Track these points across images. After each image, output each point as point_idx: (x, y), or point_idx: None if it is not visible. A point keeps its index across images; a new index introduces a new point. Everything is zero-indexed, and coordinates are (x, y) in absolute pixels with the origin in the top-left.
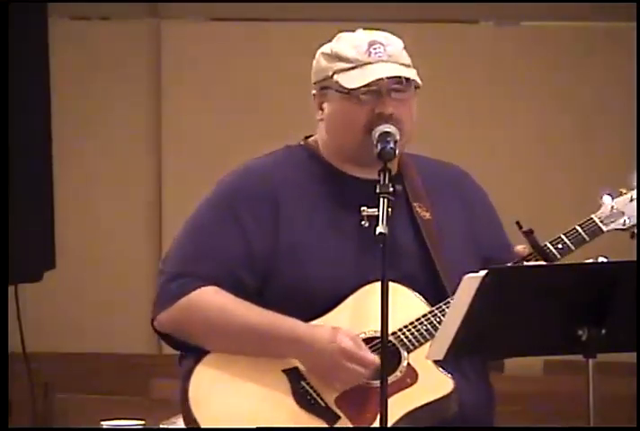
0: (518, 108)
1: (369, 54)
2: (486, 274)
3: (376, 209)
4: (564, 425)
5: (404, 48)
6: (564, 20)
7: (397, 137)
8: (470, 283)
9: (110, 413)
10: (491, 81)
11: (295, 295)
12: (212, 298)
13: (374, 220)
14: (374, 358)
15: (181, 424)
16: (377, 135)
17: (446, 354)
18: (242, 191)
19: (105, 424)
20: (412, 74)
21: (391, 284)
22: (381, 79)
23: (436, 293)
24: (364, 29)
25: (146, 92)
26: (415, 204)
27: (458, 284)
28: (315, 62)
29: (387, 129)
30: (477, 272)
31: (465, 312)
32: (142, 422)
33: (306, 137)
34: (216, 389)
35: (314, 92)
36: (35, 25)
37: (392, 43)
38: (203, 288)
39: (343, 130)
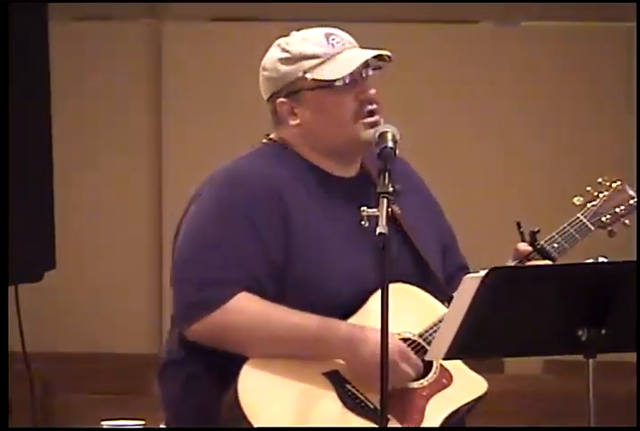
0: (518, 107)
1: (332, 45)
2: (486, 274)
3: (376, 209)
4: (564, 425)
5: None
6: (564, 20)
7: (397, 137)
8: (470, 283)
9: (110, 413)
10: (491, 81)
11: (310, 295)
12: (249, 304)
13: (373, 220)
14: (419, 361)
15: None
16: (376, 135)
17: (446, 354)
18: (254, 200)
19: (105, 424)
20: (384, 51)
21: (406, 285)
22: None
23: (430, 285)
24: (363, 29)
25: (146, 92)
26: None
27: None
28: (267, 72)
29: (387, 129)
30: (441, 261)
31: (465, 312)
32: (142, 422)
33: (267, 136)
34: (265, 391)
35: (281, 100)
36: (35, 25)
37: (342, 32)
38: (238, 295)
39: (333, 124)
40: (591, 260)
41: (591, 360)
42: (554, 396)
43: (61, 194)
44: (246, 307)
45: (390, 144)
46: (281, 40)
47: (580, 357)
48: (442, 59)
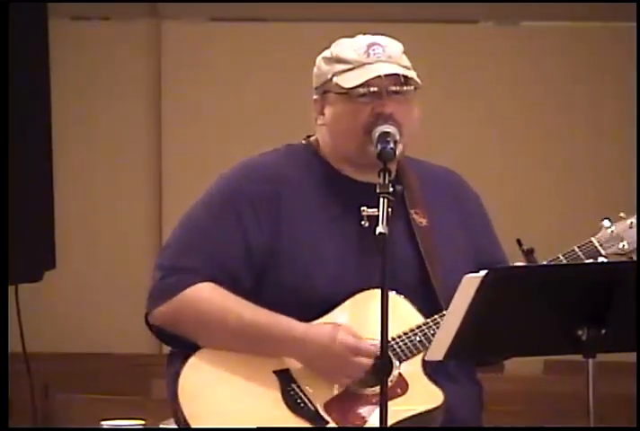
0: (517, 107)
1: (368, 55)
2: (486, 274)
3: (376, 209)
4: (564, 425)
5: (404, 52)
6: (564, 20)
7: (397, 138)
8: (470, 283)
9: (110, 413)
10: (490, 81)
11: (292, 295)
12: (208, 294)
13: (374, 220)
14: (373, 348)
15: None
16: (376, 135)
17: (445, 354)
18: (244, 192)
19: (105, 424)
20: (410, 74)
21: (390, 293)
22: (379, 78)
23: (430, 303)
24: (363, 29)
25: (146, 92)
26: (412, 210)
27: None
28: (315, 68)
29: (387, 129)
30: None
31: (465, 312)
32: (142, 422)
33: (308, 137)
34: (206, 386)
35: (315, 97)
36: (35, 25)
37: (391, 45)
38: (199, 284)
39: (344, 132)
40: (591, 260)
41: (590, 360)
42: (554, 396)
43: (61, 194)
44: (203, 296)
45: (390, 144)
46: (339, 40)
47: (580, 357)
48: (442, 59)
